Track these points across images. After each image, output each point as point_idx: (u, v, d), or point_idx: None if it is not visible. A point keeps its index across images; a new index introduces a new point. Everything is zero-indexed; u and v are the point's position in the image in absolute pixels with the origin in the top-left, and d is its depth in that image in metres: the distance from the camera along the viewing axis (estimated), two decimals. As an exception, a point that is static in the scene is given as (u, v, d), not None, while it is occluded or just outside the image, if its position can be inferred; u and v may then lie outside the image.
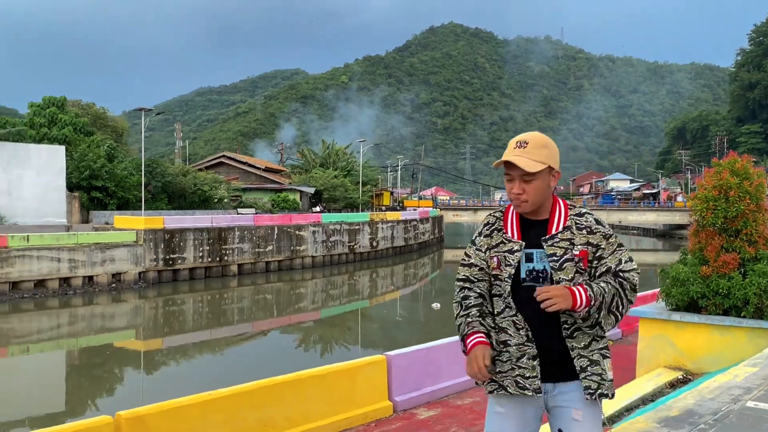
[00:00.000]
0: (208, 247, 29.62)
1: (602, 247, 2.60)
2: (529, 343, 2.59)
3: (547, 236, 2.57)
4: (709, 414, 3.74)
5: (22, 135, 37.52)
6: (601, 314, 2.56)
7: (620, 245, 2.64)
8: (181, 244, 28.57)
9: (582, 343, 2.60)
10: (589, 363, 2.59)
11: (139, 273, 27.24)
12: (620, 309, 2.59)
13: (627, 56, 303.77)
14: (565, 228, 2.58)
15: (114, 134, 49.40)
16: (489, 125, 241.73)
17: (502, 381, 2.64)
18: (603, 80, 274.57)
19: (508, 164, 2.55)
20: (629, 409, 6.02)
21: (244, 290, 29.37)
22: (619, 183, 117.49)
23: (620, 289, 2.57)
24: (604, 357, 2.63)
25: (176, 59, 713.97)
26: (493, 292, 2.68)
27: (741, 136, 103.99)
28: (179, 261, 28.58)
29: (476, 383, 2.70)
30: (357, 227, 39.13)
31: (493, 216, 2.75)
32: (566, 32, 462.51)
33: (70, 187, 34.65)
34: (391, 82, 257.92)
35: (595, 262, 2.60)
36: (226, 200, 43.85)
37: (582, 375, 2.60)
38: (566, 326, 2.58)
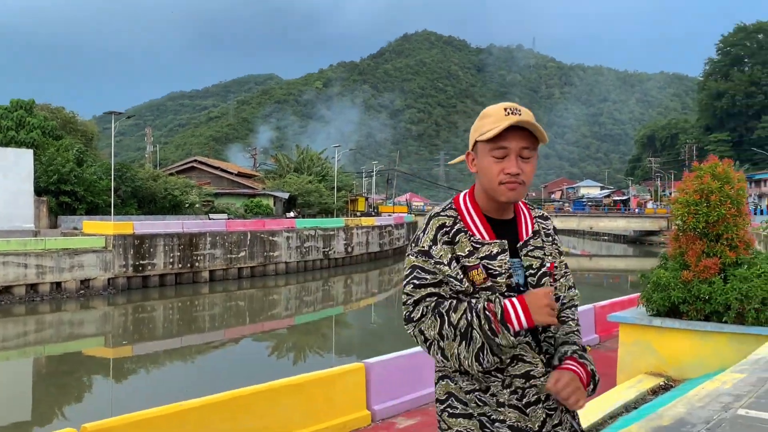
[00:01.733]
0: (178, 253, 29.14)
1: (562, 260, 2.17)
2: (498, 375, 1.97)
3: (521, 242, 2.04)
4: (702, 423, 3.63)
5: (-12, 138, 36.67)
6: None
7: (567, 266, 2.22)
8: (151, 249, 28.06)
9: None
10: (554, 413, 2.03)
11: (108, 279, 26.70)
12: None
13: (597, 65, 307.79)
14: (535, 233, 2.08)
15: (84, 138, 48.47)
16: (462, 132, 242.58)
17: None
18: (574, 89, 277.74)
19: (503, 134, 1.96)
20: (612, 417, 5.92)
21: (216, 297, 28.94)
22: (590, 190, 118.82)
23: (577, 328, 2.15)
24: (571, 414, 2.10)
25: (148, 63, 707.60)
26: None
27: (709, 144, 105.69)
28: (149, 267, 28.07)
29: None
30: (332, 233, 38.87)
31: (446, 215, 2.03)
32: (538, 41, 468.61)
33: (38, 191, 33.89)
34: (365, 89, 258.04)
35: (561, 278, 2.16)
36: (197, 205, 43.28)
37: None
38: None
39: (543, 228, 2.12)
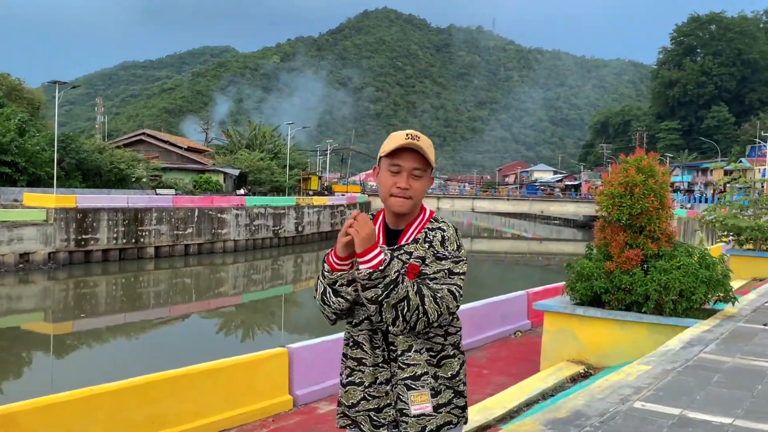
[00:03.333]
0: (123, 228, 28.57)
1: (427, 262, 2.33)
2: (384, 365, 2.36)
3: (395, 246, 2.37)
4: (597, 415, 3.71)
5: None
6: (385, 299, 2.19)
7: (452, 273, 2.32)
8: (95, 224, 27.45)
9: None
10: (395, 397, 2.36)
11: (49, 253, 26.03)
12: (405, 312, 2.20)
13: (556, 49, 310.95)
14: (414, 240, 2.37)
15: (30, 107, 46.89)
16: (420, 113, 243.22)
17: (355, 416, 2.41)
18: (532, 72, 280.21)
19: (398, 154, 2.33)
20: (529, 404, 6.02)
21: (161, 274, 28.53)
22: (543, 174, 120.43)
23: (422, 293, 2.23)
24: (410, 388, 2.32)
25: (101, 32, 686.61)
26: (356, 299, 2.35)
27: (660, 132, 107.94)
28: (92, 242, 27.47)
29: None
30: (282, 211, 38.60)
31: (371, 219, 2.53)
32: (498, 24, 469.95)
33: (-23, 161, 32.72)
34: (324, 64, 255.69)
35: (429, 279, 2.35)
36: (144, 180, 42.39)
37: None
38: (392, 347, 2.35)
39: (426, 236, 2.38)
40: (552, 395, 6.13)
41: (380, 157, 2.40)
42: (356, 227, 2.19)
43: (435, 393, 2.35)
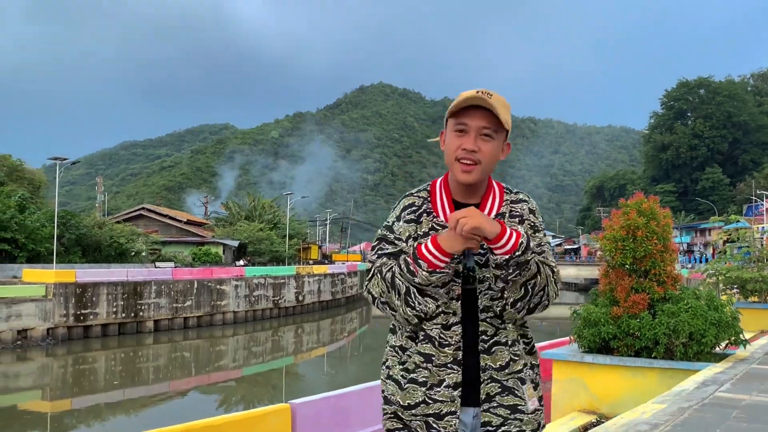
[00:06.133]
0: (122, 302, 28.33)
1: (536, 236, 2.14)
2: (455, 367, 2.04)
3: None
4: (615, 451, 3.57)
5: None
6: (516, 277, 1.99)
7: (548, 243, 2.21)
8: (94, 298, 27.23)
9: (498, 363, 2.08)
10: (500, 389, 2.07)
11: (48, 329, 25.71)
12: (533, 292, 2.05)
13: (548, 118, 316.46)
14: (499, 215, 2.11)
15: (30, 187, 47.35)
16: (418, 182, 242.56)
17: (410, 421, 2.09)
18: (526, 141, 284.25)
19: (466, 111, 2.04)
20: (542, 455, 5.81)
21: (161, 347, 28.11)
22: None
23: (548, 269, 2.08)
24: (523, 381, 2.10)
25: (101, 112, 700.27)
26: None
27: (656, 194, 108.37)
28: (91, 316, 27.19)
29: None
30: (282, 281, 38.38)
31: (417, 196, 2.17)
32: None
33: (-23, 239, 32.75)
34: (322, 138, 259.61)
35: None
36: (143, 253, 42.38)
37: (485, 406, 2.07)
38: (485, 337, 2.07)
39: (512, 210, 2.14)
40: (565, 445, 5.92)
41: (447, 119, 2.12)
42: (469, 215, 1.90)
43: (535, 386, 2.16)
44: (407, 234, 2.10)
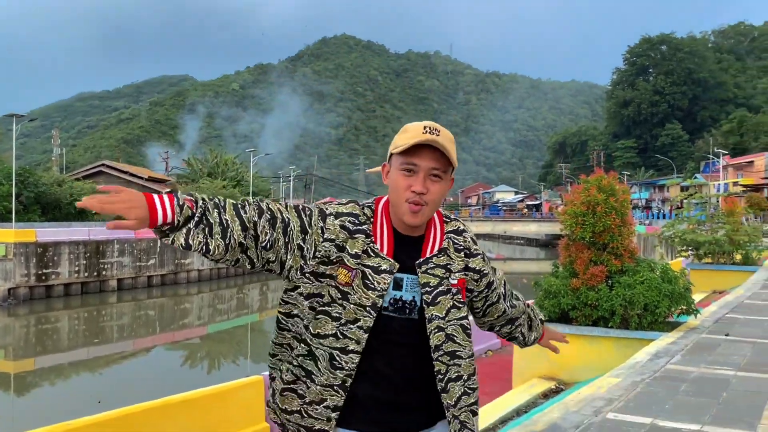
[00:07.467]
0: (84, 261, 28.06)
1: (486, 272, 2.12)
2: (339, 391, 1.94)
3: (421, 259, 1.99)
4: (572, 427, 3.83)
5: None
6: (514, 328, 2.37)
7: (503, 278, 2.25)
8: (56, 258, 26.92)
9: (453, 399, 2.03)
10: (459, 427, 2.04)
11: (9, 289, 25.41)
12: (532, 327, 2.45)
13: (512, 73, 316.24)
14: (442, 250, 2.02)
15: (-17, 141, 46.10)
16: (382, 137, 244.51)
17: (285, 422, 2.05)
18: (490, 96, 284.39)
19: (414, 151, 1.92)
20: (504, 421, 6.12)
21: (125, 306, 28.04)
22: (505, 195, 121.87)
23: (530, 311, 2.40)
24: (474, 413, 2.08)
25: (57, 63, 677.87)
26: (326, 309, 1.95)
27: (617, 150, 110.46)
28: (53, 276, 26.91)
29: None
30: (246, 239, 38.25)
31: (363, 212, 2.00)
32: (455, 49, 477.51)
33: (-70, 197, 31.96)
34: (282, 91, 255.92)
35: (485, 290, 2.15)
36: (106, 211, 41.72)
37: None
38: (440, 375, 2.00)
39: (454, 243, 2.05)
40: (525, 411, 6.23)
41: (391, 154, 1.99)
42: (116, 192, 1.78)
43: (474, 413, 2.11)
44: (335, 236, 1.94)
